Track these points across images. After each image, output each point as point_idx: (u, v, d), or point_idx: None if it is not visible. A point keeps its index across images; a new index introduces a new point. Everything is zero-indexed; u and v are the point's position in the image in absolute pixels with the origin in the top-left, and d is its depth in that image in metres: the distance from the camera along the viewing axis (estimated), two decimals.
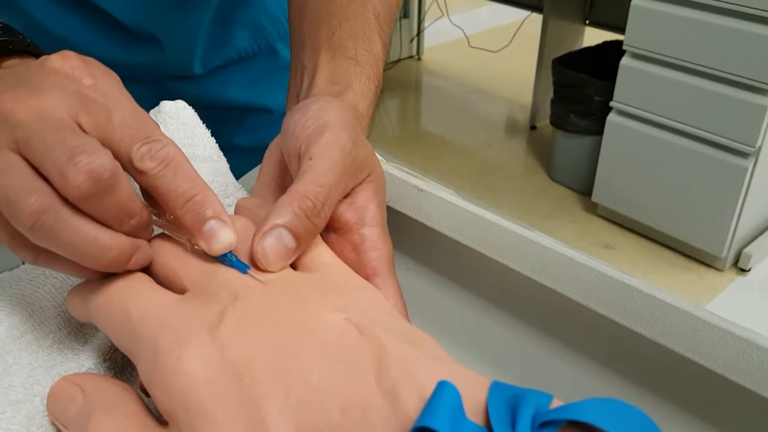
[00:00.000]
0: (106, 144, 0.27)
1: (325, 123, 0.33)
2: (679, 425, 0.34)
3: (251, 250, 0.28)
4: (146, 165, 0.27)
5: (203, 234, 0.28)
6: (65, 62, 0.28)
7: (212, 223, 0.28)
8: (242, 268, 0.27)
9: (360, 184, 0.34)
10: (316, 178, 0.31)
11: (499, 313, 0.41)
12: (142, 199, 0.29)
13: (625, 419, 0.18)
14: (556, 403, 0.20)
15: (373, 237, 0.32)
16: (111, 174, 0.25)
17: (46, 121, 0.26)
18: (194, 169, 0.28)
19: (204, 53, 0.63)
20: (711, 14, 1.52)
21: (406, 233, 0.43)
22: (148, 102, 0.44)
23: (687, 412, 0.34)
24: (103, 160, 0.25)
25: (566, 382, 0.38)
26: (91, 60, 0.29)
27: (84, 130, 0.27)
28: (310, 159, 0.32)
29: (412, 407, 0.21)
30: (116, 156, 0.27)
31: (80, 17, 0.58)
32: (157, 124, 0.29)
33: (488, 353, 0.41)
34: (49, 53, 0.31)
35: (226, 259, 0.28)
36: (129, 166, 0.27)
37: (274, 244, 0.28)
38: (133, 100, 0.29)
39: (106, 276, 0.28)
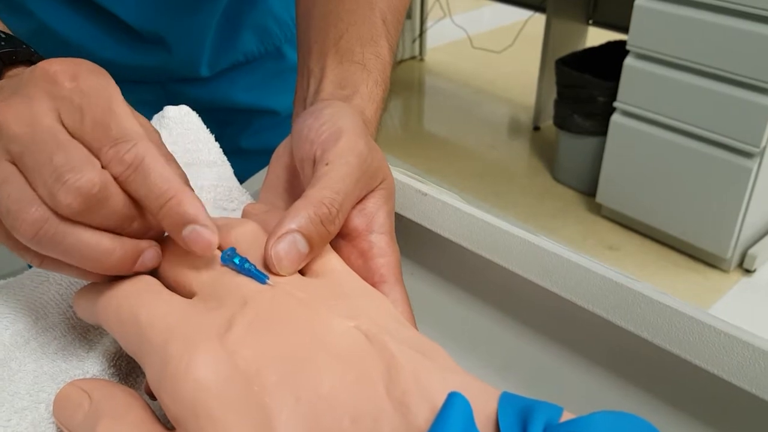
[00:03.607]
0: (84, 146, 0.26)
1: (340, 128, 0.33)
2: (684, 431, 0.34)
3: (265, 254, 0.28)
4: (115, 169, 0.26)
5: (183, 239, 0.27)
6: (50, 67, 0.28)
7: (191, 227, 0.27)
8: (261, 278, 0.27)
9: (372, 191, 0.34)
10: (332, 184, 0.31)
11: (504, 318, 0.41)
12: None
13: None
14: (566, 416, 0.20)
15: (381, 244, 0.32)
16: (100, 188, 0.25)
17: (35, 131, 0.26)
18: (169, 168, 0.27)
19: (211, 56, 0.63)
20: (715, 14, 1.52)
21: (410, 238, 0.43)
22: (154, 104, 0.45)
23: (693, 418, 0.34)
24: (90, 176, 0.25)
25: (571, 387, 0.38)
26: (80, 62, 0.29)
27: (69, 133, 0.27)
28: (326, 164, 0.32)
29: (423, 418, 0.21)
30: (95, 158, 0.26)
31: (88, 20, 0.58)
32: (137, 120, 0.28)
33: (493, 358, 0.41)
34: (57, 57, 0.31)
35: (244, 269, 0.28)
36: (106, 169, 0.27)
37: (288, 248, 0.28)
38: (112, 98, 0.28)
39: (114, 278, 0.28)
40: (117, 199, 0.26)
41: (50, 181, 0.25)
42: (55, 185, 0.25)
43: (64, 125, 0.27)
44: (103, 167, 0.26)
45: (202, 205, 0.28)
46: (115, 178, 0.26)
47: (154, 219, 0.28)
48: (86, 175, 0.25)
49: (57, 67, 0.28)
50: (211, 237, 0.27)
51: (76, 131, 0.27)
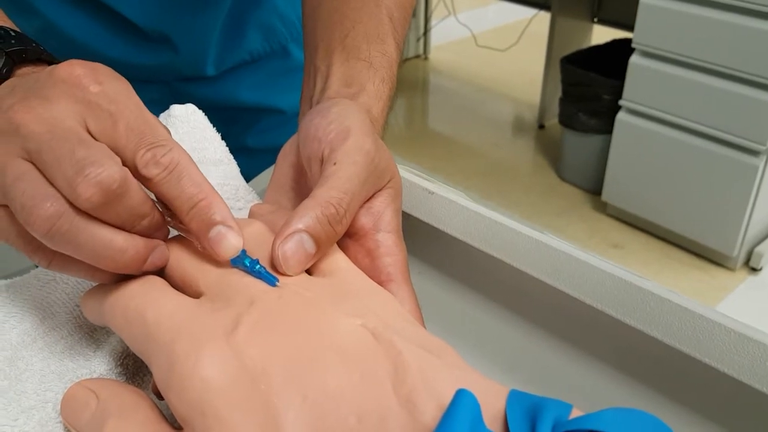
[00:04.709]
0: (113, 150, 0.27)
1: (348, 128, 0.33)
2: (695, 430, 0.34)
3: (272, 253, 0.29)
4: (151, 171, 0.27)
5: (209, 240, 0.28)
6: (72, 71, 0.29)
7: (218, 229, 0.28)
8: (271, 280, 0.27)
9: (379, 190, 0.34)
10: (340, 184, 0.31)
11: (510, 316, 0.41)
12: (157, 202, 0.29)
13: (645, 429, 0.18)
14: (575, 413, 0.20)
15: (388, 242, 0.32)
16: (120, 184, 0.26)
17: (55, 130, 0.26)
18: (201, 173, 0.28)
19: (217, 54, 0.63)
20: (720, 11, 1.51)
21: (417, 236, 0.43)
22: (160, 103, 0.45)
23: (703, 416, 0.34)
24: (111, 171, 0.25)
25: (579, 385, 0.38)
26: (99, 66, 0.30)
27: (93, 137, 0.27)
28: (335, 164, 0.32)
29: (430, 415, 0.21)
30: (124, 162, 0.27)
31: (94, 19, 0.58)
32: (166, 128, 0.29)
33: (500, 356, 0.41)
34: (64, 55, 0.31)
35: (254, 271, 0.28)
36: (135, 173, 0.27)
37: (295, 248, 0.29)
38: (141, 105, 0.29)
39: (121, 279, 0.28)
40: (134, 195, 0.27)
41: (71, 173, 0.25)
42: (77, 178, 0.25)
43: (87, 129, 0.27)
44: (136, 170, 0.27)
45: (229, 210, 0.28)
46: (149, 180, 0.27)
47: (183, 220, 0.28)
48: (108, 169, 0.25)
49: (80, 70, 0.29)
50: (236, 240, 0.28)
51: (105, 135, 0.27)
